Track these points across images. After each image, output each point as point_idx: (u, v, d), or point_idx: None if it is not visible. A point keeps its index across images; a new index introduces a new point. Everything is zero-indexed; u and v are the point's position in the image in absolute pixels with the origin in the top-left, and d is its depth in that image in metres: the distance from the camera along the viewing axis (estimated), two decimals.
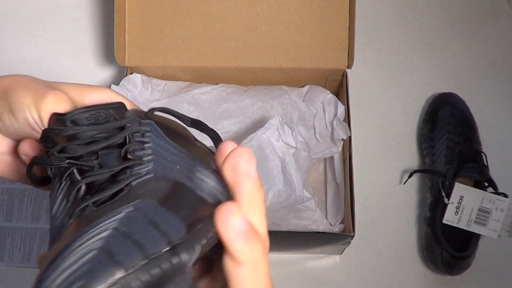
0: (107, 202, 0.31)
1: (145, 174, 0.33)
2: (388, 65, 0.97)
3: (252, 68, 0.83)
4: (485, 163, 0.85)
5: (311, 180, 0.86)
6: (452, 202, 0.81)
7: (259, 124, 0.79)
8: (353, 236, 0.70)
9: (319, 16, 0.81)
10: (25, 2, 1.01)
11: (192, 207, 0.30)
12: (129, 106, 0.38)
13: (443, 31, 0.99)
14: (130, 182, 0.32)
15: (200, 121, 0.41)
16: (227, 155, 0.30)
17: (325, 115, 0.83)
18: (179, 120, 0.40)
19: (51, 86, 0.36)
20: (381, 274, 0.85)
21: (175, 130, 0.39)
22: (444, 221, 0.81)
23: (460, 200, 0.81)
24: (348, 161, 0.77)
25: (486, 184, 0.83)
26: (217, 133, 0.41)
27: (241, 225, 0.28)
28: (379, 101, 0.95)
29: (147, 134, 0.36)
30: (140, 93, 0.83)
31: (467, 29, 0.99)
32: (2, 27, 1.00)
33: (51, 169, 0.35)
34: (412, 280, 0.85)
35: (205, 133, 0.40)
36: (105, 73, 0.97)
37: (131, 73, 0.83)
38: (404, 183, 0.88)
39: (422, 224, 0.87)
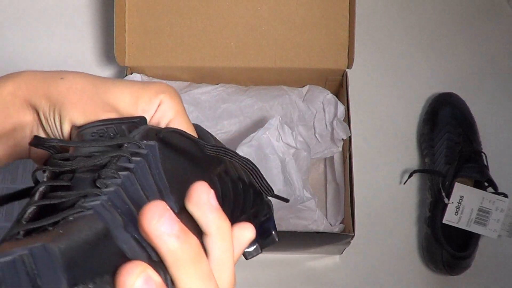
0: (33, 234, 0.28)
1: (88, 209, 0.28)
2: (388, 65, 0.97)
3: (252, 68, 0.83)
4: (485, 163, 0.85)
5: (311, 180, 0.86)
6: (452, 202, 0.81)
7: (259, 124, 0.79)
8: (353, 236, 0.70)
9: (319, 16, 0.81)
10: (25, 2, 1.01)
11: (99, 261, 0.27)
12: (179, 121, 0.36)
13: (443, 31, 0.99)
14: (69, 215, 0.28)
15: (226, 149, 0.36)
16: (189, 193, 0.28)
17: (325, 115, 0.83)
18: (198, 146, 0.35)
19: (105, 101, 0.34)
20: (381, 274, 0.85)
21: (181, 162, 0.34)
22: (444, 221, 0.81)
23: (460, 200, 0.81)
24: (348, 161, 0.77)
25: (486, 184, 0.83)
26: (251, 163, 0.37)
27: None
28: (379, 101, 0.95)
29: (136, 159, 0.31)
30: None
31: (467, 29, 0.99)
32: (2, 27, 1.00)
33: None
34: (412, 280, 0.85)
35: (234, 160, 0.36)
36: (105, 73, 0.97)
37: (131, 73, 0.83)
38: (404, 183, 0.88)
39: (422, 224, 0.87)
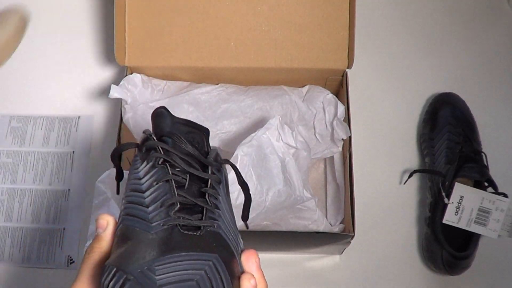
0: (190, 233, 0.40)
1: (216, 227, 0.41)
2: (388, 65, 0.97)
3: (252, 68, 0.83)
4: (485, 163, 0.85)
5: (311, 180, 0.86)
6: (452, 202, 0.81)
7: (259, 124, 0.79)
8: (353, 236, 0.70)
9: (319, 16, 0.81)
10: (25, 2, 1.01)
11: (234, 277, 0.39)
12: None
13: (443, 31, 0.99)
14: (207, 226, 0.41)
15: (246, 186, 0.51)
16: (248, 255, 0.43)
17: (325, 115, 0.83)
18: (237, 176, 0.51)
19: None
20: (381, 274, 0.85)
21: (228, 185, 0.49)
22: (444, 221, 0.81)
23: (460, 200, 0.81)
24: (348, 161, 0.77)
25: (486, 184, 0.83)
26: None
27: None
28: (379, 101, 0.95)
29: (220, 186, 0.46)
30: (140, 93, 0.83)
31: (467, 29, 0.99)
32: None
33: (143, 151, 0.46)
34: (412, 280, 0.85)
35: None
36: (105, 73, 0.97)
37: (131, 73, 0.83)
38: (404, 183, 0.88)
39: (422, 224, 0.87)
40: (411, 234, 0.87)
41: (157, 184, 0.43)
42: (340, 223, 0.80)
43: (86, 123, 0.93)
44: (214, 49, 0.82)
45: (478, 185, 0.83)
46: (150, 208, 0.41)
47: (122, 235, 0.41)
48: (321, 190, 0.86)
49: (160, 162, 0.44)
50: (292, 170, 0.73)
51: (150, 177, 0.44)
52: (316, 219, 0.77)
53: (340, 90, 0.85)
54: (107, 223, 0.43)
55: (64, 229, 0.87)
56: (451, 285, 0.84)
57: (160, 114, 0.46)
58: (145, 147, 0.46)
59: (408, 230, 0.87)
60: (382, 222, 0.87)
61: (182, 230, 0.40)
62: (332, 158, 0.84)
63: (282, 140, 0.74)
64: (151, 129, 0.48)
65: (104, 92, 0.95)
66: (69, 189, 0.89)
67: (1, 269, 0.85)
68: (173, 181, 0.43)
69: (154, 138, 0.46)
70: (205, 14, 0.82)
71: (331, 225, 0.80)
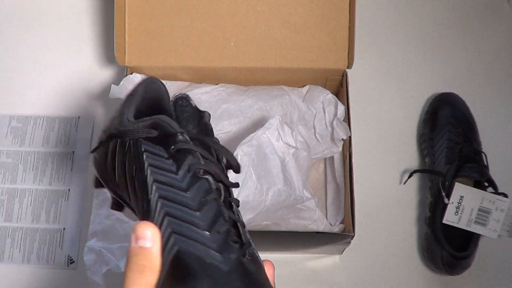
0: (250, 266, 0.38)
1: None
2: (388, 65, 0.97)
3: (252, 68, 0.83)
4: (485, 163, 0.85)
5: (311, 180, 0.86)
6: (452, 202, 0.81)
7: (259, 124, 0.79)
8: (353, 236, 0.70)
9: (319, 16, 0.81)
10: (25, 2, 1.01)
11: None
12: None
13: (443, 31, 0.99)
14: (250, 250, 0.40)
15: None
16: None
17: (325, 115, 0.83)
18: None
19: None
20: (381, 274, 0.85)
21: None
22: (444, 221, 0.81)
23: (460, 200, 0.81)
24: (348, 161, 0.77)
25: (486, 184, 0.83)
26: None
27: None
28: (379, 101, 0.95)
29: None
30: None
31: (467, 29, 0.99)
32: (2, 27, 1.00)
33: (172, 150, 0.41)
34: (412, 280, 0.85)
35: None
36: (105, 73, 0.97)
37: (131, 73, 0.83)
38: (404, 183, 0.88)
39: (422, 224, 0.87)
40: (411, 234, 0.87)
41: (206, 201, 0.39)
42: (340, 223, 0.80)
43: (86, 123, 0.93)
44: (214, 49, 0.82)
45: (478, 185, 0.83)
46: (209, 234, 0.38)
47: (179, 261, 0.37)
48: (321, 190, 0.86)
49: (201, 173, 0.40)
50: (292, 170, 0.73)
51: (197, 192, 0.40)
52: (316, 219, 0.77)
53: (340, 90, 0.85)
54: (151, 235, 0.38)
55: (64, 229, 0.87)
56: (451, 285, 0.84)
57: (187, 105, 0.45)
58: (177, 148, 0.41)
59: (408, 230, 0.87)
60: (382, 222, 0.87)
61: (243, 262, 0.38)
62: (332, 158, 0.84)
63: (282, 140, 0.74)
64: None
65: (104, 92, 0.95)
66: (69, 189, 0.89)
67: (1, 269, 0.85)
68: (221, 200, 0.40)
69: (188, 138, 0.42)
70: (205, 14, 0.82)
71: (331, 225, 0.80)
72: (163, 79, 0.86)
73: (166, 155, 0.41)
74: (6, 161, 0.91)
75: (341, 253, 0.84)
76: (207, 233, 0.38)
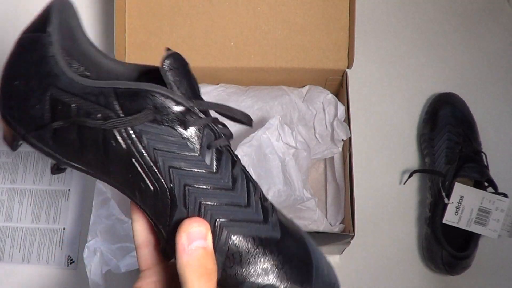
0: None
1: None
2: (388, 65, 0.97)
3: (252, 68, 0.83)
4: (485, 163, 0.85)
5: (311, 180, 0.86)
6: (452, 202, 0.81)
7: (259, 124, 0.79)
8: (353, 236, 0.70)
9: (319, 16, 0.81)
10: (25, 3, 1.01)
11: None
12: None
13: (443, 31, 0.99)
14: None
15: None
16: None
17: (325, 116, 0.83)
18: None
19: None
20: (381, 274, 0.85)
21: None
22: (444, 221, 0.81)
23: (460, 200, 0.81)
24: (348, 161, 0.77)
25: (486, 184, 0.83)
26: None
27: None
28: (379, 101, 0.95)
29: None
30: None
31: (467, 29, 0.99)
32: (2, 27, 1.00)
33: (186, 125, 0.35)
34: (412, 280, 0.85)
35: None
36: None
37: None
38: (404, 183, 0.88)
39: (422, 224, 0.87)
40: (411, 234, 0.87)
41: (236, 176, 0.36)
42: (340, 223, 0.80)
43: None
44: (214, 49, 0.82)
45: (478, 185, 0.84)
46: (250, 209, 0.36)
47: (237, 249, 0.35)
48: (321, 190, 0.86)
49: (223, 149, 0.36)
50: (292, 170, 0.73)
51: (226, 169, 0.36)
52: (316, 219, 0.77)
53: (340, 90, 0.85)
54: (206, 232, 0.35)
55: (64, 229, 0.87)
56: (451, 285, 0.84)
57: (188, 73, 0.37)
58: (190, 125, 0.35)
59: (408, 230, 0.87)
60: (382, 222, 0.87)
61: (282, 220, 0.37)
62: (332, 158, 0.84)
63: (282, 140, 0.74)
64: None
65: None
66: (69, 189, 0.89)
67: (1, 269, 0.85)
68: (242, 165, 0.37)
69: (197, 110, 0.36)
70: (205, 14, 0.82)
71: (331, 225, 0.80)
72: None
73: (176, 136, 0.35)
74: (6, 161, 0.91)
75: (341, 253, 0.84)
76: (248, 209, 0.36)
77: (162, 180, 0.35)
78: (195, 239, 0.34)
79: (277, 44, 0.82)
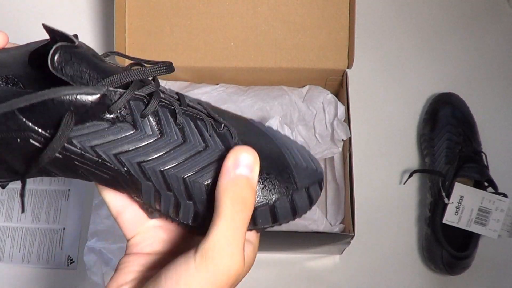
0: None
1: None
2: (388, 65, 0.97)
3: (252, 68, 0.83)
4: (485, 163, 0.85)
5: None
6: (452, 202, 0.81)
7: None
8: (353, 236, 0.70)
9: (319, 16, 0.81)
10: (25, 3, 1.01)
11: None
12: None
13: (443, 31, 0.99)
14: None
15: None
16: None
17: (325, 116, 0.83)
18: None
19: None
20: (381, 274, 0.85)
21: None
22: (444, 221, 0.81)
23: (460, 200, 0.81)
24: (348, 161, 0.77)
25: (486, 184, 0.83)
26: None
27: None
28: (379, 101, 0.95)
29: None
30: None
31: (467, 29, 0.99)
32: (2, 27, 1.00)
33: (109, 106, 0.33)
34: (412, 280, 0.85)
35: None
36: None
37: None
38: (404, 183, 0.88)
39: (422, 224, 0.87)
40: (411, 234, 0.87)
41: (183, 126, 0.35)
42: (340, 223, 0.80)
43: None
44: (214, 49, 0.82)
45: (478, 185, 0.84)
46: (210, 148, 0.36)
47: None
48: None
49: (158, 107, 0.35)
50: None
51: (171, 128, 0.35)
52: (316, 219, 0.77)
53: (340, 90, 0.85)
54: (254, 161, 0.34)
55: (64, 229, 0.87)
56: (451, 285, 0.84)
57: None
58: (116, 109, 0.33)
59: (408, 230, 0.87)
60: (382, 222, 0.87)
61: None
62: (332, 158, 0.84)
63: None
64: None
65: None
66: (69, 189, 0.89)
67: (1, 269, 0.85)
68: (189, 116, 0.36)
69: (117, 90, 0.33)
70: (205, 14, 0.82)
71: (331, 225, 0.80)
72: (163, 79, 0.86)
73: (105, 124, 0.33)
74: None
75: (341, 253, 0.84)
76: (208, 150, 0.35)
77: (115, 168, 0.34)
78: (240, 166, 0.33)
79: (277, 44, 0.82)
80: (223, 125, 0.37)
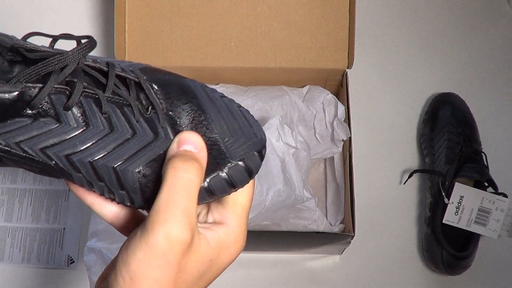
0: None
1: None
2: (388, 65, 0.97)
3: (252, 68, 0.83)
4: (485, 163, 0.85)
5: (311, 180, 0.86)
6: (452, 202, 0.81)
7: None
8: (353, 236, 0.70)
9: (319, 16, 0.81)
10: (24, 2, 1.01)
11: None
12: None
13: (443, 31, 0.99)
14: None
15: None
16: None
17: (325, 116, 0.83)
18: None
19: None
20: (381, 274, 0.85)
21: None
22: (444, 221, 0.81)
23: (460, 200, 0.81)
24: (348, 161, 0.77)
25: (486, 184, 0.83)
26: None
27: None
28: (379, 101, 0.95)
29: None
30: None
31: (467, 29, 0.99)
32: (2, 28, 1.00)
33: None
34: (412, 280, 0.85)
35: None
36: None
37: None
38: (404, 183, 0.88)
39: (422, 224, 0.87)
40: (411, 234, 0.87)
41: (108, 115, 0.35)
42: (340, 223, 0.80)
43: None
44: (214, 49, 0.82)
45: (478, 185, 0.84)
46: (139, 135, 0.35)
47: (147, 176, 0.36)
48: (321, 190, 0.86)
49: (81, 98, 0.34)
50: (292, 170, 0.73)
51: (96, 118, 0.34)
52: (316, 219, 0.77)
53: (340, 90, 0.85)
54: (198, 142, 0.35)
55: (64, 229, 0.87)
56: (451, 285, 0.84)
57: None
58: (34, 101, 0.32)
59: (408, 230, 0.87)
60: (382, 222, 0.87)
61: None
62: (332, 158, 0.84)
63: (282, 140, 0.74)
64: None
65: None
66: (69, 189, 0.89)
67: (1, 269, 0.85)
68: (115, 103, 0.35)
69: (35, 86, 0.32)
70: (205, 14, 0.82)
71: (331, 225, 0.80)
72: None
73: (28, 120, 0.33)
74: None
75: (341, 253, 0.84)
76: (136, 137, 0.35)
77: (44, 162, 0.34)
78: (184, 144, 0.35)
79: (277, 44, 0.82)
80: (150, 108, 0.36)
